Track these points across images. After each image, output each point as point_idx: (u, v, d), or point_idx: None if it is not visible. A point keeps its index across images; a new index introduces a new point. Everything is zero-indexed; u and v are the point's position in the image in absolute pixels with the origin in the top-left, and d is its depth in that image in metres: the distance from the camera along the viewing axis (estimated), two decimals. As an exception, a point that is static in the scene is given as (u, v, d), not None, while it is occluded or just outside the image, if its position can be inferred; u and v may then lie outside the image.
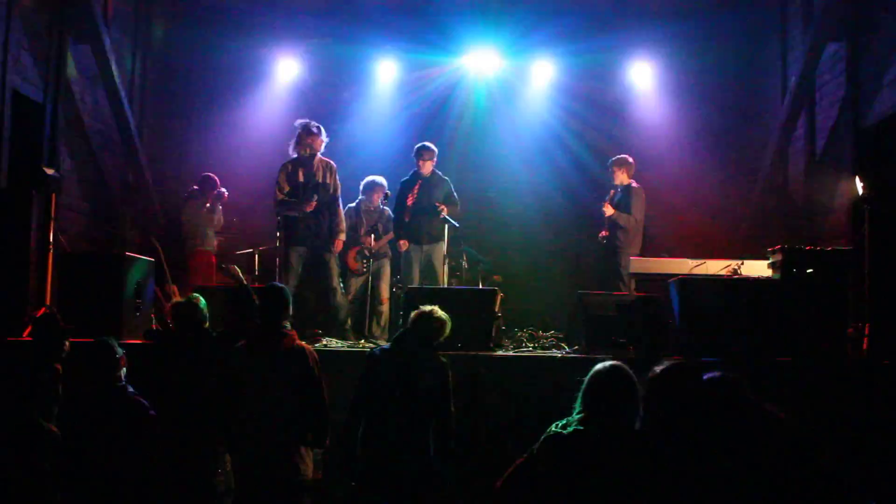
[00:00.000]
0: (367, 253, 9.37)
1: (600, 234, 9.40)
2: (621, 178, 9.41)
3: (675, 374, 3.87)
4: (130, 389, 5.22)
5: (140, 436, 5.03)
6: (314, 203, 8.42)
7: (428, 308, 5.40)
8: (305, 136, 8.56)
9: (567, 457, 3.86)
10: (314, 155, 8.61)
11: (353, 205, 9.67)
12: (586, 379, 4.04)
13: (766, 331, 6.65)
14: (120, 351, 5.26)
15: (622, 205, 9.24)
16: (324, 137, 8.66)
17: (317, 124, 8.69)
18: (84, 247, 9.63)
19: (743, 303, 6.75)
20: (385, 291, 9.52)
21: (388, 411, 5.13)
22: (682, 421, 3.76)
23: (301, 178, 8.55)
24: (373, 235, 9.27)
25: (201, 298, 5.84)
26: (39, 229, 7.59)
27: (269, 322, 5.29)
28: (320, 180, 8.58)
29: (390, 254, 9.63)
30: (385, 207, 9.68)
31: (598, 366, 4.08)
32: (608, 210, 9.17)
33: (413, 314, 5.41)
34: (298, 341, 5.37)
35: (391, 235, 9.46)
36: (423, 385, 5.15)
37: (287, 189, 8.56)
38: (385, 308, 9.42)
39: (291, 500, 5.14)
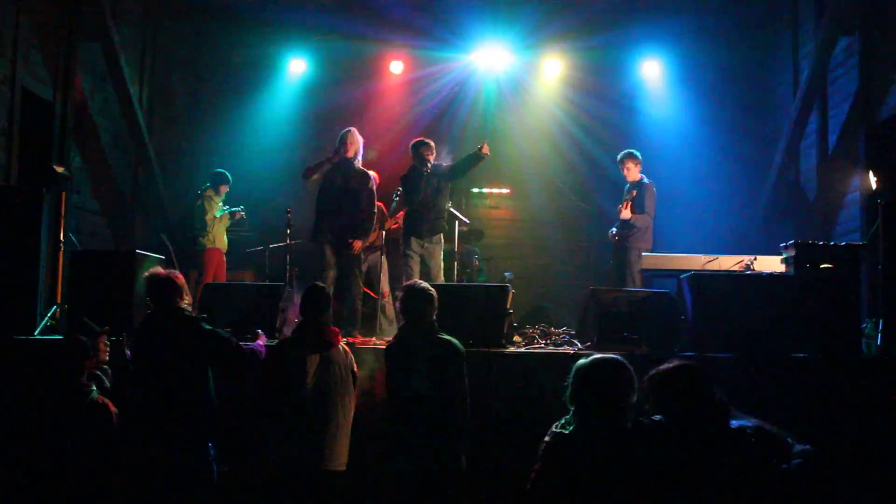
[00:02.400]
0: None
1: (611, 232, 9.35)
2: (633, 173, 9.34)
3: (677, 374, 3.85)
4: (94, 391, 5.14)
5: (102, 440, 5.03)
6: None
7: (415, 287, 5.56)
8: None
9: (568, 456, 3.82)
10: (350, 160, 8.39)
11: None
12: (571, 375, 3.99)
13: (780, 326, 6.59)
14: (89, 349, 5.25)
15: (635, 202, 9.18)
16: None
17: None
18: (93, 245, 9.63)
19: (756, 298, 6.69)
20: (385, 285, 9.47)
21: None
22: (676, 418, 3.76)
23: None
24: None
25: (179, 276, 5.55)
26: (50, 227, 7.59)
27: (309, 320, 5.54)
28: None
29: (385, 247, 9.46)
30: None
31: (581, 361, 4.00)
32: (626, 213, 9.08)
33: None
34: (341, 340, 5.64)
35: (384, 232, 9.33)
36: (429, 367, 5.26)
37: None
38: (387, 301, 9.33)
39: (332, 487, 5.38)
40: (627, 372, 3.89)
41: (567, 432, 3.86)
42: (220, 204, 10.39)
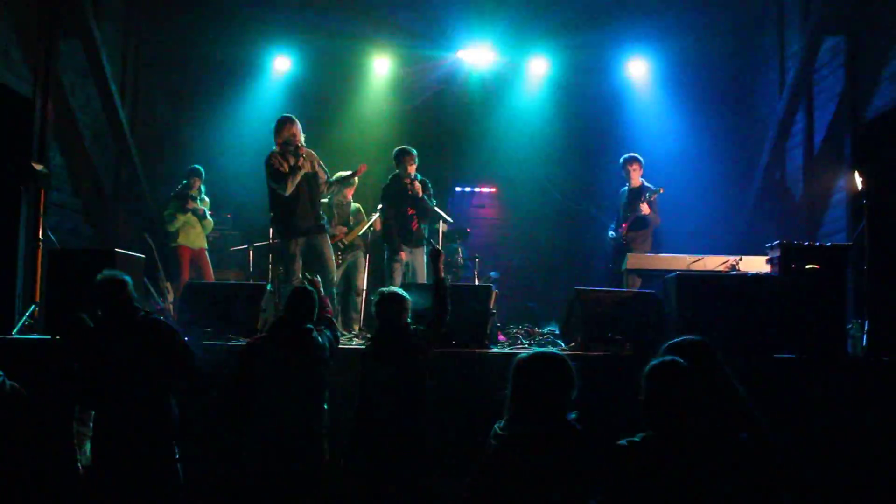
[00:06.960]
0: (341, 245, 9.36)
1: (622, 227, 9.34)
2: (637, 177, 9.40)
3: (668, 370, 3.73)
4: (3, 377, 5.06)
5: (18, 424, 4.92)
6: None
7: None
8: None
9: (501, 454, 3.75)
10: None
11: (325, 200, 9.28)
12: (510, 372, 3.91)
13: (765, 327, 6.57)
14: None
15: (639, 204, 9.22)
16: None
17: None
18: (74, 244, 9.52)
19: (741, 299, 6.66)
20: (361, 283, 9.50)
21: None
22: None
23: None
24: (346, 228, 9.50)
25: (127, 277, 5.32)
26: (28, 226, 7.50)
27: (297, 323, 5.36)
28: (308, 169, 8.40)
29: (363, 246, 9.60)
30: (352, 201, 9.77)
31: (520, 355, 3.92)
32: (645, 209, 9.10)
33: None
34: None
35: (363, 226, 9.49)
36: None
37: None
38: (361, 299, 9.39)
39: (311, 485, 5.25)
40: (563, 368, 3.79)
41: (505, 433, 3.78)
42: (204, 198, 10.25)
